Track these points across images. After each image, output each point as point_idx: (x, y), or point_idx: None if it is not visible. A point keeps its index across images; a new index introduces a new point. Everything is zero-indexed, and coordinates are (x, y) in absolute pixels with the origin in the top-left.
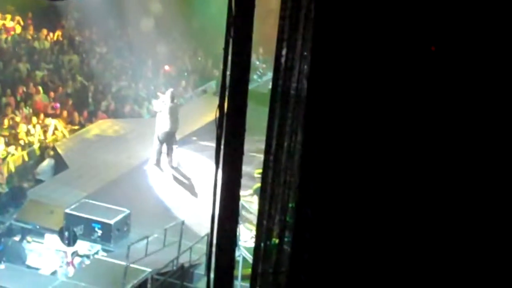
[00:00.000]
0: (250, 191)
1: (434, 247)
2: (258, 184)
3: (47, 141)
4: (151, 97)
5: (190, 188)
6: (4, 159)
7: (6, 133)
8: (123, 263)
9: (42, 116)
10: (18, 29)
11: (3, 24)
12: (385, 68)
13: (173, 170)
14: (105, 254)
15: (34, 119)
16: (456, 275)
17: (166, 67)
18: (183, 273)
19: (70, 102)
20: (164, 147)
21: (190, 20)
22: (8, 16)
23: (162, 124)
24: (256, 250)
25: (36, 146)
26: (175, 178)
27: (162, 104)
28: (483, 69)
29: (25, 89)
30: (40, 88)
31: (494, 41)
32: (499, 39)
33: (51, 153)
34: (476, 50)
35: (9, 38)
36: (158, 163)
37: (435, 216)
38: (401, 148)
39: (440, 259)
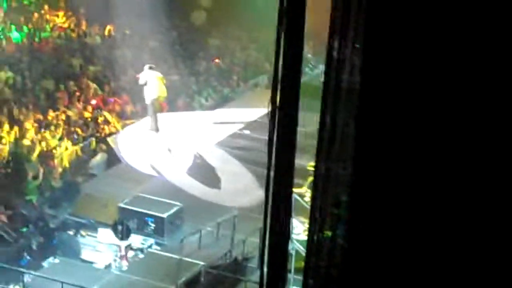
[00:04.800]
0: (304, 184)
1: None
2: (311, 178)
3: (100, 135)
4: (203, 91)
5: (242, 181)
6: (57, 153)
7: (60, 128)
8: (176, 256)
9: (95, 110)
10: (71, 25)
11: (56, 20)
12: (440, 60)
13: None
14: (158, 247)
15: (87, 114)
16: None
17: (217, 61)
18: (236, 266)
19: (123, 96)
20: (158, 115)
21: (241, 13)
22: (61, 13)
23: (149, 94)
24: (309, 243)
25: (89, 140)
26: (227, 172)
27: (143, 78)
28: None
29: (78, 84)
30: (92, 83)
31: None
32: None
33: (104, 147)
34: None
35: (62, 34)
36: (157, 129)
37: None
38: (459, 142)
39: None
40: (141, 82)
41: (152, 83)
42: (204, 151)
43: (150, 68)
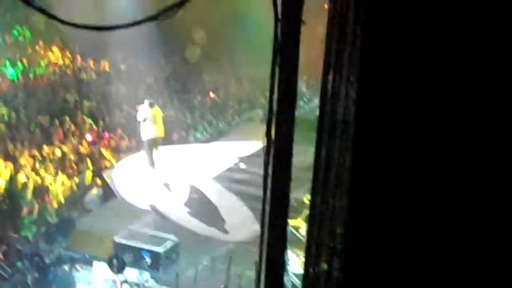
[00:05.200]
0: (299, 217)
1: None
2: (307, 210)
3: (95, 170)
4: (198, 124)
5: (238, 216)
6: (53, 188)
7: (55, 163)
8: None
9: (90, 145)
10: (67, 61)
11: (51, 56)
12: (432, 93)
13: (222, 193)
14: (154, 282)
15: (82, 149)
16: None
17: (212, 95)
18: None
19: (118, 131)
20: (154, 151)
21: (235, 48)
22: (56, 49)
23: (147, 132)
24: (305, 276)
25: (84, 175)
26: (223, 206)
27: (142, 114)
28: None
29: (73, 119)
30: (87, 118)
31: None
32: None
33: (100, 182)
34: None
35: (57, 70)
36: (153, 165)
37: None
38: (454, 172)
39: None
40: (139, 118)
41: (151, 121)
42: (199, 185)
43: (151, 105)
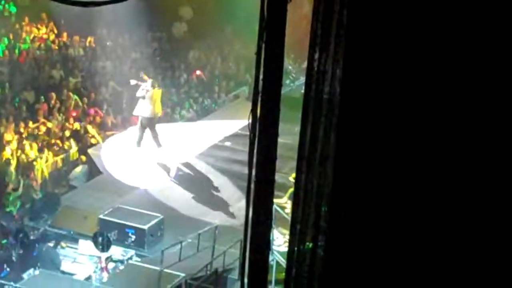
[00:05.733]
0: (284, 196)
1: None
2: (292, 189)
3: (80, 147)
4: (184, 102)
5: (223, 193)
6: (38, 165)
7: (40, 139)
8: (157, 268)
9: (75, 122)
10: (52, 36)
11: (36, 32)
12: (417, 71)
13: (210, 171)
14: (139, 259)
15: (68, 125)
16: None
17: (198, 72)
18: (217, 278)
19: (104, 108)
20: (148, 131)
21: (222, 25)
22: (41, 24)
23: (144, 110)
24: (290, 255)
25: (69, 152)
26: (208, 183)
27: (143, 91)
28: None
29: (59, 96)
30: (73, 94)
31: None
32: None
33: (85, 159)
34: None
35: (43, 45)
36: (139, 144)
37: (473, 217)
38: (437, 150)
39: (480, 258)
40: (139, 94)
41: (150, 100)
42: (185, 163)
43: (153, 84)
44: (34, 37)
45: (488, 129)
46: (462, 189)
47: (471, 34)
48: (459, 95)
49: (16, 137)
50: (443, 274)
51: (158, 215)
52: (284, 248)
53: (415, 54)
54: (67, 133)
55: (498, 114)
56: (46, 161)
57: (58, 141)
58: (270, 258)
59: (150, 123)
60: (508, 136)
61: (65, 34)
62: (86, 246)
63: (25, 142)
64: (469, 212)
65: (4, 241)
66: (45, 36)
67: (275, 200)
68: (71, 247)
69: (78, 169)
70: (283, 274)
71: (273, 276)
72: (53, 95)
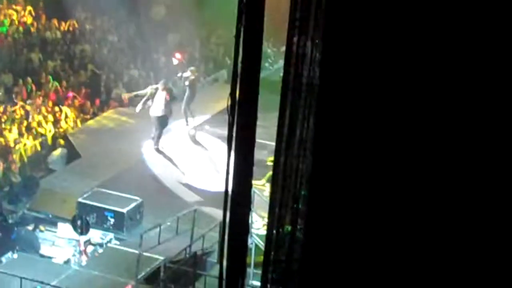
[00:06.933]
0: (263, 179)
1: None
2: (271, 172)
3: (59, 130)
4: None
5: (203, 176)
6: (16, 148)
7: (18, 123)
8: (136, 251)
9: (54, 105)
10: (29, 20)
11: (14, 14)
12: (397, 54)
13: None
14: (118, 242)
15: (46, 109)
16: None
17: (178, 55)
18: (196, 261)
19: (82, 91)
20: (159, 131)
21: (201, 8)
22: (19, 7)
23: (155, 110)
24: (268, 238)
25: (48, 135)
26: (186, 166)
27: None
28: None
29: (37, 79)
30: (51, 77)
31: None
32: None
33: (63, 142)
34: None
35: (21, 29)
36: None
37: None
38: (416, 132)
39: (456, 251)
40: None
41: (160, 100)
42: (164, 145)
43: (165, 85)
44: (12, 20)
45: (470, 114)
46: (442, 169)
47: (455, 19)
48: (435, 76)
49: None
50: (420, 256)
51: (137, 198)
52: (263, 231)
53: (394, 37)
54: (46, 117)
55: (483, 102)
56: (25, 144)
57: (36, 125)
58: (249, 241)
59: (162, 121)
60: (489, 128)
61: (43, 17)
62: (65, 229)
63: (3, 125)
64: (448, 194)
65: None
66: (23, 20)
67: (254, 183)
68: (50, 231)
69: (57, 152)
70: (262, 257)
71: (252, 259)
72: (31, 78)
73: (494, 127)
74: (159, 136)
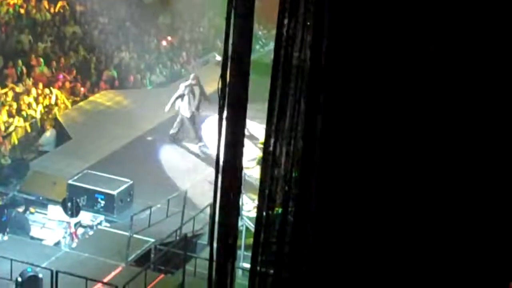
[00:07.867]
0: (253, 161)
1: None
2: (261, 154)
3: (49, 112)
4: (153, 68)
5: (193, 158)
6: (7, 131)
7: (9, 105)
8: (126, 233)
9: (44, 87)
10: (19, 1)
11: None
12: (387, 36)
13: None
14: (108, 224)
15: (37, 91)
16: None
17: (169, 38)
18: (186, 243)
19: (73, 73)
20: (188, 125)
21: None
22: None
23: (187, 108)
24: (258, 220)
25: (38, 117)
26: (181, 148)
27: (184, 86)
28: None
29: (27, 61)
30: (42, 59)
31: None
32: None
33: (54, 124)
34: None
35: (11, 10)
36: (173, 138)
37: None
38: (404, 121)
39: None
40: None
41: (189, 95)
42: (157, 126)
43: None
44: (2, 1)
45: (464, 109)
46: (434, 162)
47: (455, 19)
48: (424, 66)
49: None
50: (409, 244)
51: (128, 180)
52: (254, 214)
53: (384, 18)
54: (36, 99)
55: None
56: (15, 126)
57: (27, 107)
58: (240, 223)
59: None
60: (483, 127)
61: None
62: (55, 211)
63: None
64: (441, 190)
65: None
66: (13, 1)
67: (244, 165)
68: (40, 213)
69: (47, 134)
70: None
71: (242, 241)
72: (21, 60)
73: (497, 127)
74: (198, 136)
